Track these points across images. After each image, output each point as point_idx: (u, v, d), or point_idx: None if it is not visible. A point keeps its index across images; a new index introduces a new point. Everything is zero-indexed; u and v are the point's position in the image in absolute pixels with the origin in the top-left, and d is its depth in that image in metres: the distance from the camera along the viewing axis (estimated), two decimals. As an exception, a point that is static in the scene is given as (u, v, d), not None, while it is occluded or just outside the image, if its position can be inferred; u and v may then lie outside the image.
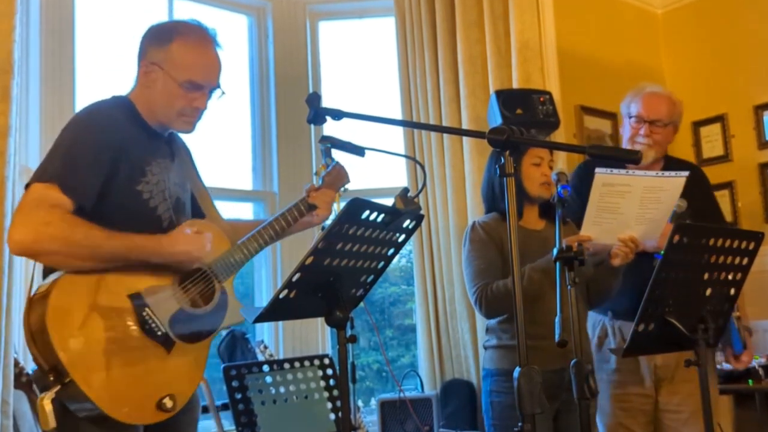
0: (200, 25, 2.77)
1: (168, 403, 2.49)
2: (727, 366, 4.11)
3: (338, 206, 3.06)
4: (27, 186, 2.44)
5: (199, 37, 2.73)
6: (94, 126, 2.56)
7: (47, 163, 2.47)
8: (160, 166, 2.68)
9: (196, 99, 2.69)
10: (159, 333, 2.51)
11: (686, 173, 3.08)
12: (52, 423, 2.31)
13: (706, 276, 2.82)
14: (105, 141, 2.53)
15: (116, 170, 2.53)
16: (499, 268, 3.30)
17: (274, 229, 2.87)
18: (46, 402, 2.30)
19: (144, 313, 2.49)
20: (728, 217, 5.29)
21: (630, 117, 3.74)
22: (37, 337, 2.37)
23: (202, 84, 2.69)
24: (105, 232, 2.42)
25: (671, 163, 3.78)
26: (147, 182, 2.61)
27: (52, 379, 2.34)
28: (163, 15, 4.61)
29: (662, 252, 3.16)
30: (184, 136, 2.91)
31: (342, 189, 3.04)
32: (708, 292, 2.85)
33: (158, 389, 2.49)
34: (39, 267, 2.53)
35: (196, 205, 2.89)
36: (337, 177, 3.00)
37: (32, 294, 2.45)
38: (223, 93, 2.78)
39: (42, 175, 2.44)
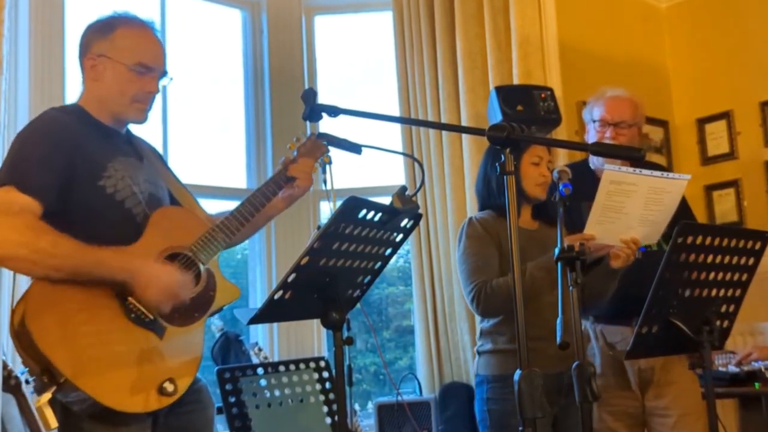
0: (138, 16, 2.82)
1: (169, 386, 2.50)
2: (732, 368, 4.12)
3: (330, 178, 3.08)
4: None
5: (141, 23, 2.78)
6: (41, 129, 2.61)
7: (0, 171, 2.52)
8: (124, 164, 2.70)
9: (148, 83, 2.73)
10: (146, 320, 2.52)
11: (688, 176, 3.10)
12: (53, 423, 2.35)
13: (711, 277, 2.83)
14: (54, 140, 2.57)
15: (73, 169, 2.55)
16: (497, 266, 3.29)
17: (252, 205, 2.85)
18: (44, 403, 2.32)
19: (127, 302, 2.50)
20: (734, 216, 5.31)
21: (594, 122, 3.81)
22: (24, 341, 2.39)
23: (152, 66, 2.73)
24: (74, 244, 2.42)
25: (637, 166, 3.81)
26: (109, 177, 2.62)
27: (46, 380, 2.36)
28: (155, 11, 4.61)
29: (642, 244, 3.20)
30: (148, 136, 2.95)
31: (321, 158, 3.04)
32: (713, 293, 2.86)
33: (157, 374, 2.50)
34: (23, 278, 2.53)
35: (175, 200, 2.90)
36: (313, 147, 3.01)
37: (15, 301, 2.46)
38: (171, 79, 2.82)
39: None
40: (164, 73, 2.78)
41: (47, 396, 2.34)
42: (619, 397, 3.63)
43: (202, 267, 2.70)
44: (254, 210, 2.85)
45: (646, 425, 3.69)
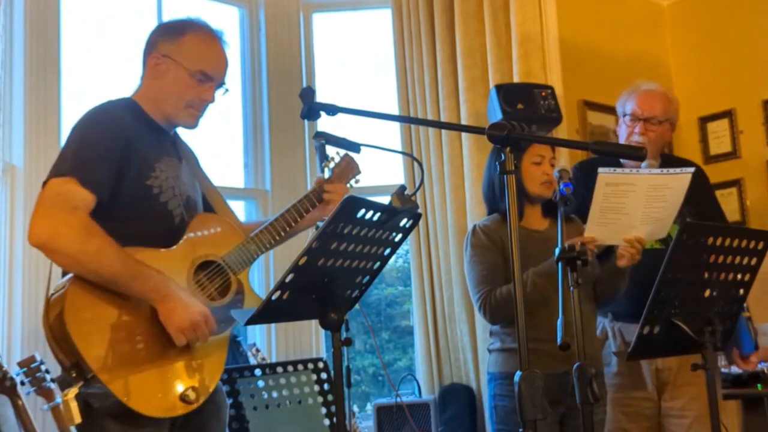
0: (209, 24, 2.89)
1: (191, 395, 2.53)
2: (735, 370, 4.11)
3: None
4: (44, 183, 2.52)
5: (211, 32, 2.86)
6: (101, 122, 2.65)
7: (61, 160, 2.56)
8: (168, 164, 2.75)
9: (205, 91, 2.79)
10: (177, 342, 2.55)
11: (692, 169, 3.08)
12: (77, 418, 2.38)
13: (713, 277, 2.83)
14: (113, 135, 2.61)
15: (127, 164, 2.61)
16: (502, 272, 3.30)
17: (286, 221, 2.91)
18: (71, 398, 2.36)
19: None
20: (736, 216, 5.30)
21: (625, 116, 3.78)
22: (57, 334, 2.44)
23: (213, 76, 2.80)
24: (118, 254, 2.47)
25: (669, 162, 3.79)
26: (156, 177, 2.68)
27: (74, 375, 2.41)
28: (151, 7, 4.61)
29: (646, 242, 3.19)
30: (185, 137, 2.99)
31: (353, 179, 3.11)
32: (715, 293, 2.86)
33: (180, 381, 2.55)
34: (56, 267, 2.56)
35: (208, 204, 2.94)
36: (346, 168, 3.07)
37: (50, 293, 2.51)
38: (227, 91, 2.87)
39: (58, 170, 2.53)
40: (222, 83, 2.84)
41: (74, 390, 2.38)
42: (634, 397, 3.62)
43: (232, 277, 2.75)
44: (287, 226, 2.91)
45: (661, 426, 3.67)
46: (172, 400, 2.52)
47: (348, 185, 3.09)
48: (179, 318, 2.51)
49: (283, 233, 2.90)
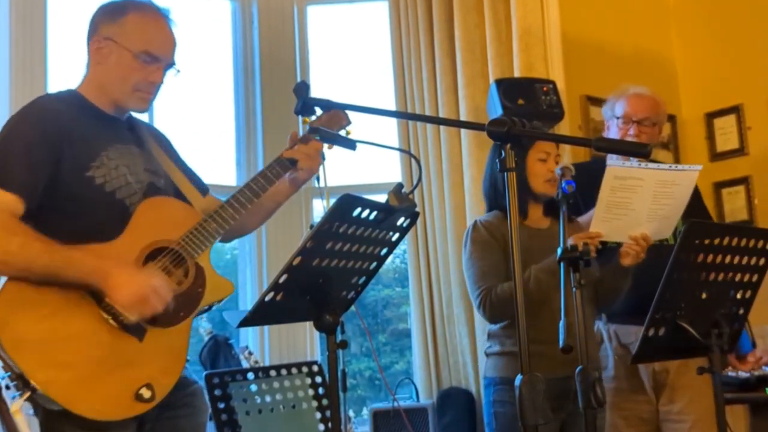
0: (153, 2, 2.79)
1: (146, 393, 2.47)
2: (743, 373, 4.11)
3: (324, 175, 3.00)
4: None
5: (155, 10, 2.77)
6: (26, 119, 2.60)
7: None
8: (120, 151, 2.68)
9: (152, 73, 2.71)
10: (125, 322, 2.48)
11: (699, 167, 3.10)
12: (25, 431, 2.34)
13: (720, 278, 2.83)
14: (40, 131, 2.55)
15: (60, 159, 2.54)
16: (503, 270, 3.30)
17: (251, 190, 2.78)
18: (15, 410, 2.31)
19: (104, 304, 2.47)
20: (743, 215, 5.30)
21: (617, 118, 3.81)
22: None
23: (159, 57, 2.71)
24: (44, 246, 2.42)
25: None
26: (99, 167, 2.60)
27: (20, 385, 2.36)
28: None
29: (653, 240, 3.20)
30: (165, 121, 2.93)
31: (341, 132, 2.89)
32: (722, 294, 2.86)
33: (133, 380, 2.47)
34: None
35: (177, 190, 2.85)
36: (328, 123, 2.86)
37: None
38: (179, 71, 2.79)
39: None
40: (171, 64, 2.76)
41: (19, 402, 2.34)
42: (632, 401, 3.63)
43: (189, 261, 2.64)
44: (253, 196, 2.78)
45: (660, 430, 3.67)
46: (125, 401, 2.45)
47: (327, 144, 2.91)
48: (124, 294, 2.43)
49: (248, 204, 2.75)
